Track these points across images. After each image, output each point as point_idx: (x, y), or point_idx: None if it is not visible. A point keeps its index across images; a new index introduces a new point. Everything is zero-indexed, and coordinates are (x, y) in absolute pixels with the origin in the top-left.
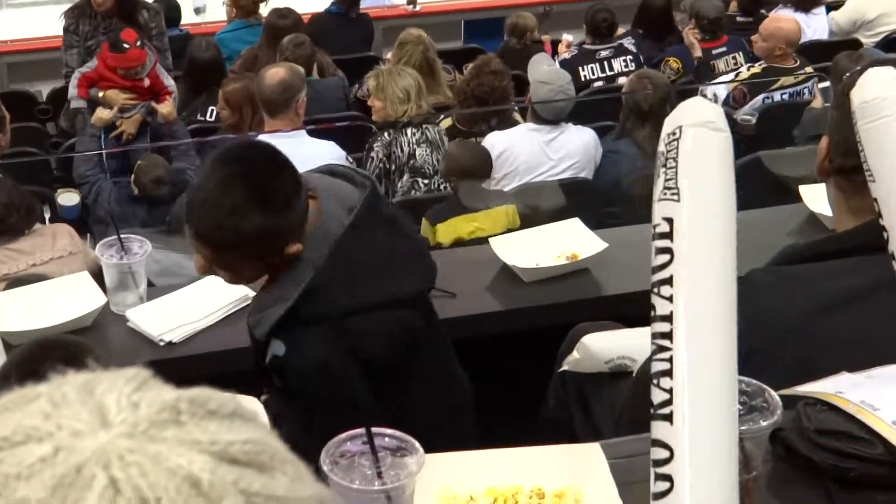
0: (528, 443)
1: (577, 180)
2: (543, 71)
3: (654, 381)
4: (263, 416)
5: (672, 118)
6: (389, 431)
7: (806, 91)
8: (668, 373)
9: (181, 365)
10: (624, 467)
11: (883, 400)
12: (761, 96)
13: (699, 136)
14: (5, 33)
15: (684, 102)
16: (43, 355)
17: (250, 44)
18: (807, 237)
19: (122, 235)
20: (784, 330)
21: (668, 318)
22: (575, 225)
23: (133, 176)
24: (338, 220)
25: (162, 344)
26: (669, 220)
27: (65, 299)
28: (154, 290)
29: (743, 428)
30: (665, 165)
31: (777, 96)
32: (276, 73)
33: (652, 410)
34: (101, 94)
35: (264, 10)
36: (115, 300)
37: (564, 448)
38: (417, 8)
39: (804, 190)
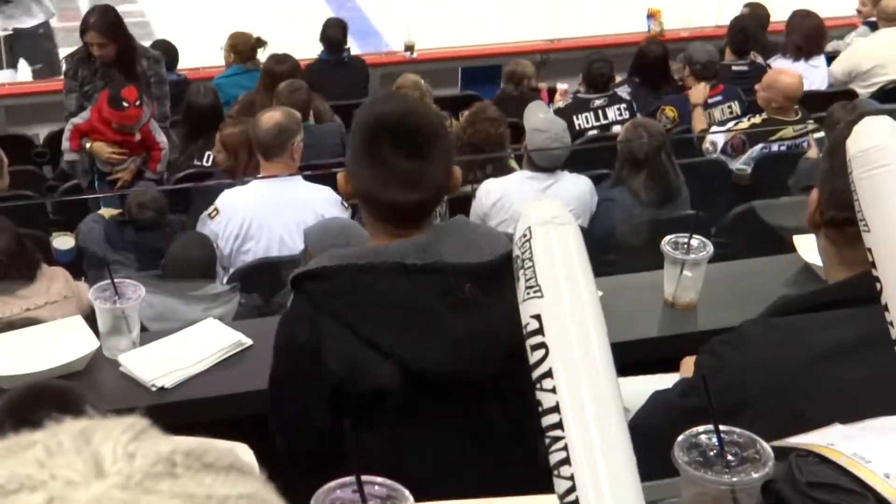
0: (520, 492)
1: None
2: (539, 119)
3: (556, 473)
4: (250, 457)
5: (521, 222)
6: (380, 480)
7: (805, 143)
8: (567, 461)
9: (173, 410)
10: None
11: (875, 452)
12: (759, 146)
13: (548, 232)
14: (3, 77)
15: (528, 205)
16: (36, 401)
17: (248, 89)
18: (800, 288)
19: (115, 280)
20: (775, 381)
21: (556, 409)
22: None
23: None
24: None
25: (154, 389)
26: (537, 317)
27: (57, 343)
28: (147, 334)
29: (734, 480)
30: (523, 267)
31: (775, 147)
32: (271, 117)
33: (560, 501)
34: (88, 146)
35: (262, 55)
36: (107, 344)
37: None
38: (415, 55)
39: (798, 240)
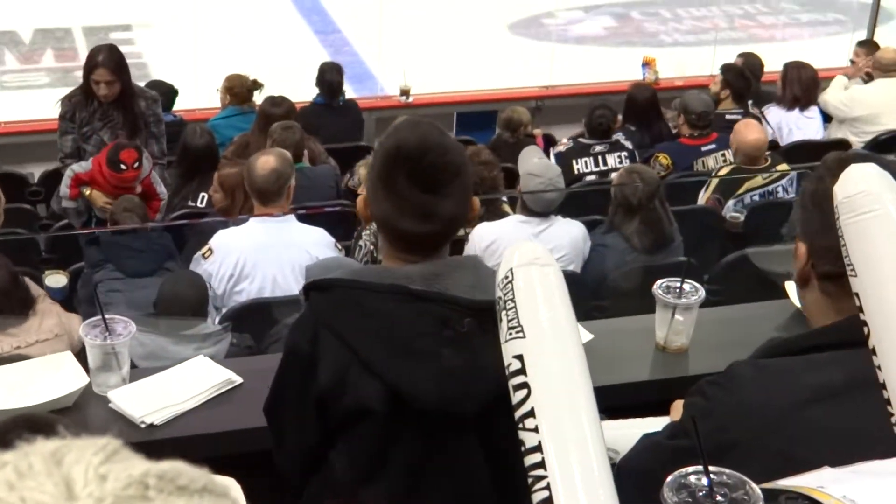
0: None
1: (565, 273)
2: (534, 164)
3: None
4: (238, 494)
5: (503, 263)
6: None
7: (780, 189)
8: (549, 500)
9: (162, 448)
10: None
11: (864, 495)
12: (731, 202)
13: (529, 273)
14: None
15: (511, 247)
16: (10, 426)
17: (243, 131)
18: (792, 333)
19: (106, 316)
20: (763, 423)
21: (538, 449)
22: None
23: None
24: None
25: (143, 426)
26: (520, 357)
27: (46, 378)
28: (137, 371)
29: None
30: (505, 308)
31: (747, 199)
32: (266, 162)
33: None
34: (87, 192)
35: (258, 97)
36: (97, 381)
37: None
38: (410, 99)
39: (790, 286)
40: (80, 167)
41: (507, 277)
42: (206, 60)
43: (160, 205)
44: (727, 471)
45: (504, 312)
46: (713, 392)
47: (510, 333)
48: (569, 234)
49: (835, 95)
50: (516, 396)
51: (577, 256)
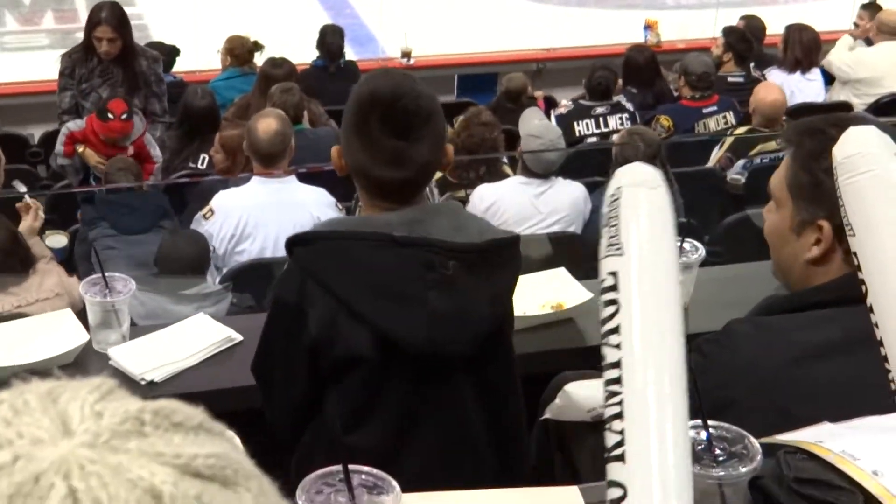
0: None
1: (565, 234)
2: (534, 125)
3: (607, 427)
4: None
5: (613, 181)
6: (366, 469)
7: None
8: (620, 415)
9: None
10: None
11: (863, 449)
12: (741, 161)
13: (637, 194)
14: (0, 76)
15: (623, 167)
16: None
17: (244, 92)
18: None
19: (106, 274)
20: (761, 380)
21: (617, 365)
22: (561, 275)
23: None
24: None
25: (143, 383)
26: (614, 274)
27: (47, 336)
28: (137, 329)
29: (721, 474)
30: (608, 224)
31: (757, 161)
32: (269, 126)
33: (606, 454)
34: (81, 150)
35: (259, 59)
36: (97, 338)
37: (542, 491)
38: (412, 61)
39: None
40: (75, 125)
41: (613, 196)
42: (206, 22)
43: (154, 168)
44: (726, 425)
45: (606, 229)
46: (710, 349)
47: (609, 250)
48: (569, 195)
49: (839, 56)
50: (604, 312)
51: (577, 218)
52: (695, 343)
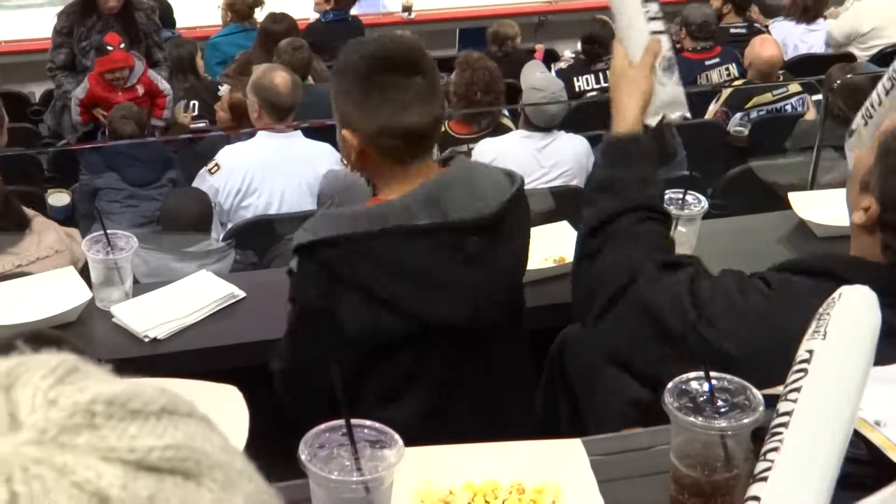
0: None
1: (567, 188)
2: (537, 77)
3: (762, 457)
4: (240, 401)
5: (837, 291)
6: (369, 423)
7: (788, 107)
8: (776, 449)
9: (166, 362)
10: (605, 464)
11: (866, 400)
12: (738, 115)
13: (855, 300)
14: (0, 34)
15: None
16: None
17: (245, 48)
18: (794, 243)
19: (108, 231)
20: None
21: (789, 413)
22: (563, 228)
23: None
24: (412, 215)
25: (147, 340)
26: (811, 351)
27: (49, 294)
28: (140, 286)
29: (724, 425)
30: (819, 318)
31: (754, 114)
32: (285, 78)
33: (752, 478)
34: (100, 114)
35: (259, 14)
36: (100, 296)
37: (546, 444)
38: (412, 15)
39: (793, 197)
40: (79, 91)
41: (833, 298)
42: None
43: (166, 101)
44: (728, 376)
45: (817, 321)
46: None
47: (813, 336)
48: (572, 148)
49: (839, 30)
50: (793, 377)
51: (580, 171)
52: (767, 274)
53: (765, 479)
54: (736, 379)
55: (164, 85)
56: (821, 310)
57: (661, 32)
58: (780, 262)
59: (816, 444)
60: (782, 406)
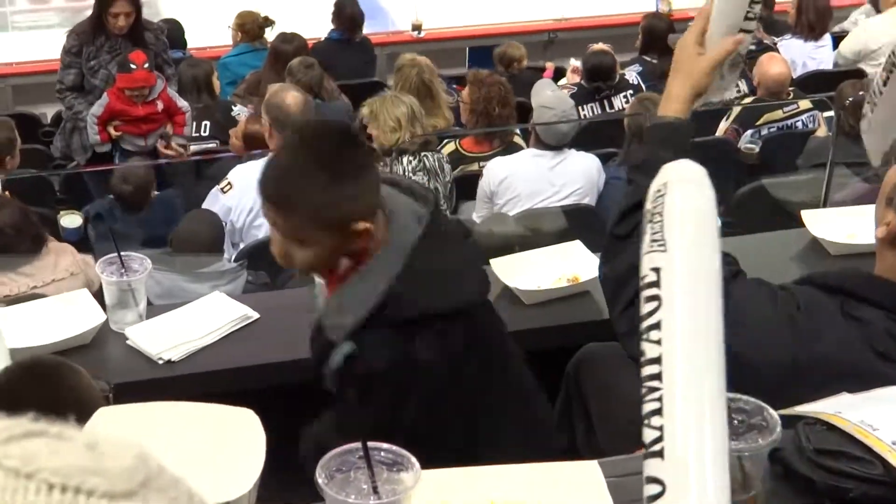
0: (530, 461)
1: (579, 206)
2: (547, 96)
3: (646, 422)
4: (256, 425)
5: (658, 177)
6: (385, 446)
7: (799, 124)
8: (659, 411)
9: (180, 384)
10: (621, 486)
11: (882, 420)
12: (749, 132)
13: (682, 190)
14: (11, 56)
15: (669, 164)
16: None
17: (255, 68)
18: (808, 261)
19: (122, 254)
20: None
21: (657, 361)
22: (576, 247)
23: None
24: (410, 229)
25: (161, 362)
26: (657, 270)
27: (64, 316)
28: (154, 308)
29: (741, 446)
30: (651, 221)
31: (764, 131)
32: (297, 97)
33: (645, 451)
34: (116, 133)
35: (269, 35)
36: (114, 318)
37: (562, 465)
38: (422, 34)
39: (806, 215)
40: (97, 107)
41: (660, 191)
42: None
43: (185, 118)
44: (744, 397)
45: (650, 224)
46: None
47: (652, 246)
48: (583, 166)
49: (848, 48)
50: (645, 307)
51: (591, 189)
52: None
53: (660, 454)
54: (752, 399)
55: (182, 102)
56: (649, 206)
57: (748, 32)
58: (803, 276)
59: (701, 398)
60: (647, 349)
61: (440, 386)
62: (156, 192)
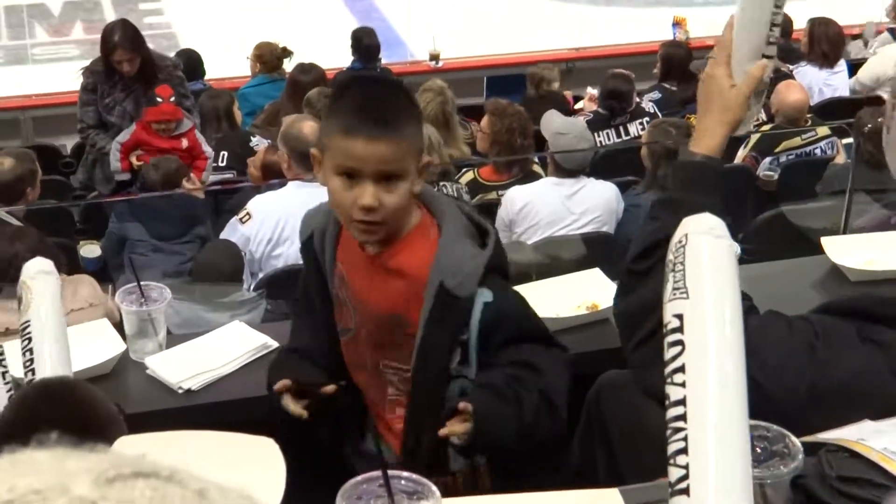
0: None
1: (598, 234)
2: (559, 122)
3: (671, 462)
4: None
5: (680, 229)
6: (406, 474)
7: (818, 151)
8: (684, 450)
9: (200, 413)
10: None
11: None
12: (767, 160)
13: (703, 242)
14: (31, 88)
15: (689, 217)
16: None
17: (273, 99)
18: (828, 288)
19: (142, 283)
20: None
21: (682, 402)
22: (595, 275)
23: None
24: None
25: (181, 391)
26: (679, 316)
27: (84, 346)
28: (173, 337)
29: (763, 473)
30: (673, 270)
31: (783, 158)
32: (314, 129)
33: (670, 490)
34: (137, 163)
35: (288, 65)
36: (134, 347)
37: (584, 493)
38: (440, 64)
39: (826, 242)
40: (123, 135)
41: (681, 241)
42: (235, 28)
43: (206, 164)
44: (765, 423)
45: (672, 274)
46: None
47: (674, 294)
48: (602, 195)
49: (867, 75)
50: (669, 353)
51: (610, 217)
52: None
53: (685, 491)
54: (774, 426)
55: (207, 148)
56: (671, 256)
57: (770, 57)
58: (821, 305)
59: (725, 437)
60: (672, 392)
61: None
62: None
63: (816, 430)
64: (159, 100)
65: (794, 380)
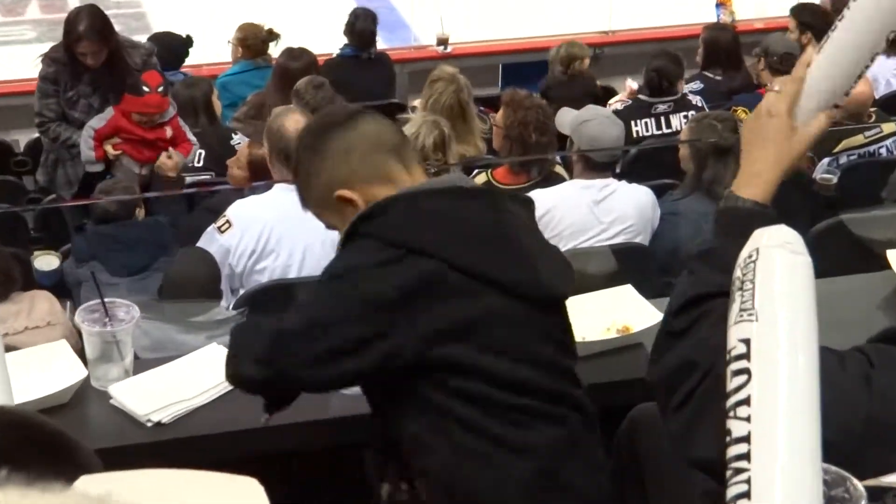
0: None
1: (630, 245)
2: (576, 114)
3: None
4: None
5: (750, 242)
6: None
7: (883, 150)
8: (746, 494)
9: (171, 449)
10: None
11: None
12: (826, 160)
13: (776, 257)
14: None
15: (760, 229)
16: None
17: (257, 88)
18: (894, 307)
19: (106, 300)
20: None
21: (746, 439)
22: (627, 292)
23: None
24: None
25: (149, 425)
26: (746, 341)
27: (40, 372)
28: (142, 362)
29: None
30: (741, 289)
31: (843, 159)
32: (298, 124)
33: None
34: (113, 153)
35: (274, 50)
36: (96, 374)
37: None
38: (449, 49)
39: (892, 255)
40: (97, 121)
41: (751, 256)
42: (213, 7)
43: (191, 149)
44: (824, 465)
45: (739, 293)
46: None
47: (741, 315)
48: (635, 201)
49: None
50: (733, 382)
51: (644, 227)
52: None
53: None
54: (833, 468)
55: (191, 136)
56: (738, 273)
57: (839, 108)
58: (879, 332)
59: (794, 481)
60: (734, 427)
61: None
62: (142, 215)
63: (875, 468)
64: (146, 89)
65: (847, 418)
